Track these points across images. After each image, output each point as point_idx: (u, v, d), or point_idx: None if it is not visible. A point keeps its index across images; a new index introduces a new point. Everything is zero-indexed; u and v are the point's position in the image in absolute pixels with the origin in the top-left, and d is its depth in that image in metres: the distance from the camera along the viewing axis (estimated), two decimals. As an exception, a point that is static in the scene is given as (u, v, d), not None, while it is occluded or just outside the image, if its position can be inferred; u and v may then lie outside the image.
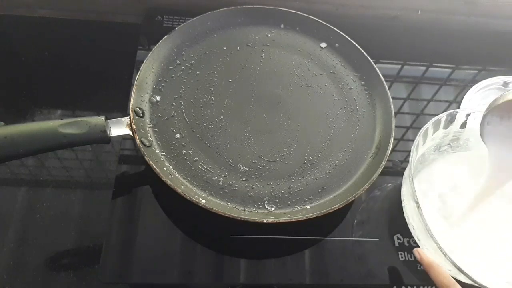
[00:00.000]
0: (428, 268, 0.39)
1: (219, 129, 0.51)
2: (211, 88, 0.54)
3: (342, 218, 0.49)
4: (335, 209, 0.44)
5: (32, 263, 0.45)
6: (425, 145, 0.48)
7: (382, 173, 0.46)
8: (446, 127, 0.49)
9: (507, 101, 0.40)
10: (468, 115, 0.48)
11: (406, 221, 0.46)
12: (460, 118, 0.49)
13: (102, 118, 0.44)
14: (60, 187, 0.50)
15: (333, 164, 0.51)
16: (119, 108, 0.54)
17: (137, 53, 0.59)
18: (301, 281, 0.45)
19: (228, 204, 0.46)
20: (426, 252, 0.41)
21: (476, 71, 0.65)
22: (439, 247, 0.39)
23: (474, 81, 0.63)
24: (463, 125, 0.49)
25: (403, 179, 0.47)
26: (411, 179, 0.42)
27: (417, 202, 0.41)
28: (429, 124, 0.46)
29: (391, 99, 0.53)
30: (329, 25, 0.59)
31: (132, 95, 0.49)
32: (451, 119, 0.48)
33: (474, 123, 0.49)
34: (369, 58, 0.56)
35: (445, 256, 0.39)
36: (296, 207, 0.47)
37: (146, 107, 0.51)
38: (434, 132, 0.48)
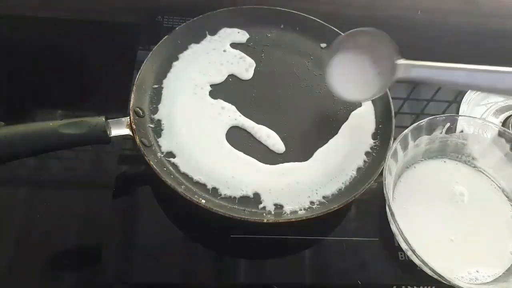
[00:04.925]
0: None
1: (219, 129, 0.51)
2: (211, 88, 0.54)
3: (342, 218, 0.49)
4: (335, 209, 0.44)
5: (32, 263, 0.45)
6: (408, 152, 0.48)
7: (382, 173, 0.46)
8: (429, 133, 0.49)
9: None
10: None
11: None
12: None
13: (102, 118, 0.44)
14: (60, 187, 0.50)
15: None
16: (119, 108, 0.54)
17: (137, 53, 0.59)
18: (301, 281, 0.45)
19: (228, 204, 0.46)
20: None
21: (476, 71, 0.65)
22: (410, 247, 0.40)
23: (474, 81, 0.63)
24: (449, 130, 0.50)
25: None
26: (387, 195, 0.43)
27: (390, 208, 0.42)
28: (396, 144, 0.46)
29: (391, 99, 0.53)
30: (329, 25, 0.59)
31: (132, 95, 0.49)
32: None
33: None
34: (369, 58, 0.56)
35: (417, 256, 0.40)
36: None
37: (146, 107, 0.51)
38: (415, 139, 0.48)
